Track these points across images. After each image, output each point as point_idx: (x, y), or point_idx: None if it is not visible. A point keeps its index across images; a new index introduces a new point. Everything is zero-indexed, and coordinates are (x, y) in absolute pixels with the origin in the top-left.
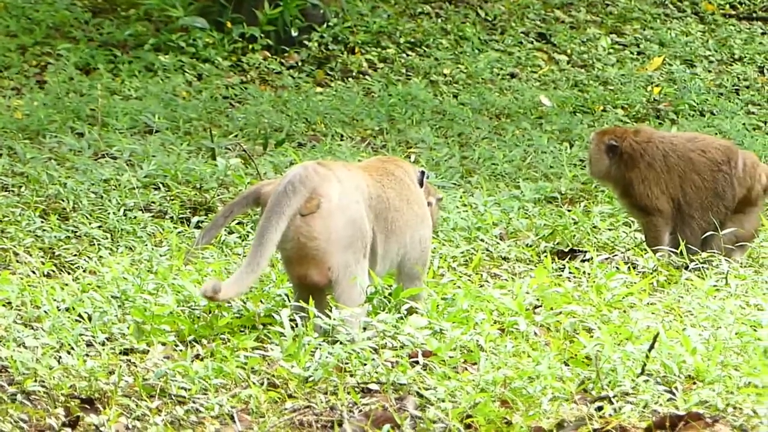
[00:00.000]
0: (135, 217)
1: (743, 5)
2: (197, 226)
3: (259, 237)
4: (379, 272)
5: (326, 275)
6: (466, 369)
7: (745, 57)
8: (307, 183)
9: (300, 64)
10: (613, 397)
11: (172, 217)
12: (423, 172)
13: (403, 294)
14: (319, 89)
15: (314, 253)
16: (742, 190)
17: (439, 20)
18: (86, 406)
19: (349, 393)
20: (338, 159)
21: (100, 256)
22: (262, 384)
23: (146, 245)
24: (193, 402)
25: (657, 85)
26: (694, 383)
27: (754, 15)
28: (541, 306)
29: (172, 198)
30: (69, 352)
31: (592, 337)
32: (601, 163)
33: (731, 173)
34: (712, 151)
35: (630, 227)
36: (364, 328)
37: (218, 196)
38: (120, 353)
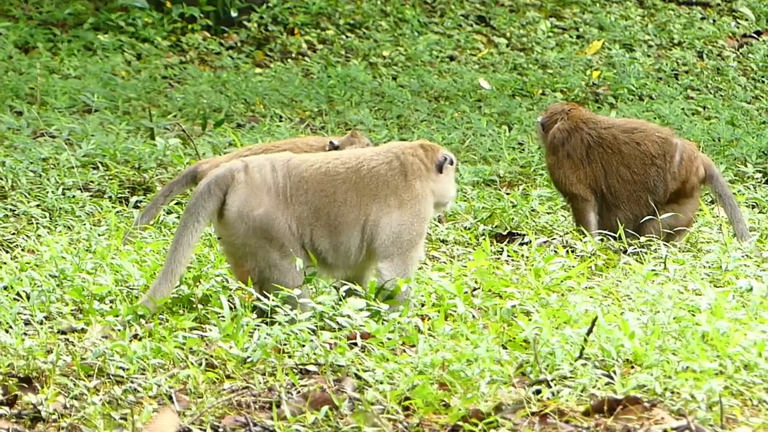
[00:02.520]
0: (74, 197)
1: None
2: (136, 206)
3: (175, 241)
4: (340, 263)
5: (249, 274)
6: (405, 351)
7: (685, 42)
8: (222, 186)
9: (239, 44)
10: (552, 380)
11: (110, 197)
12: (446, 158)
13: (375, 288)
14: (258, 70)
15: (231, 256)
16: (676, 184)
17: (379, 2)
18: (24, 384)
19: (287, 374)
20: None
21: (39, 235)
22: (200, 364)
23: (85, 225)
24: (132, 382)
25: (596, 69)
26: (633, 367)
27: (694, 0)
28: (479, 289)
29: (110, 177)
30: (7, 331)
31: (530, 320)
32: (541, 137)
33: (665, 167)
34: (648, 144)
35: (569, 211)
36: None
37: (157, 176)
38: (58, 332)
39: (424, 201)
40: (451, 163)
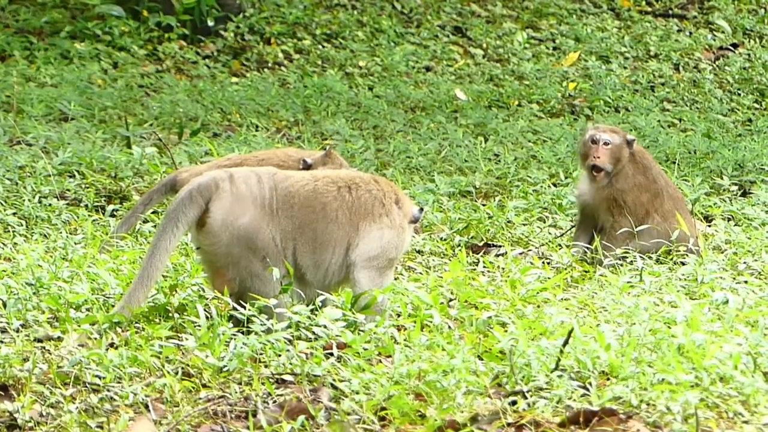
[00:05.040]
0: (50, 205)
1: (659, 2)
2: (112, 215)
3: (152, 247)
4: (317, 281)
5: (227, 284)
6: (381, 361)
7: (661, 54)
8: (205, 194)
9: (216, 53)
10: (527, 391)
11: (87, 205)
12: (421, 210)
13: (351, 299)
14: (234, 79)
15: (212, 265)
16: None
17: (355, 12)
18: (0, 392)
19: (263, 384)
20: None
21: (15, 243)
22: (176, 373)
23: (61, 233)
24: (108, 390)
25: (572, 81)
26: (608, 379)
27: (670, 12)
28: (455, 299)
29: (87, 186)
30: None
31: (506, 331)
32: (620, 153)
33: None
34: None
35: (544, 222)
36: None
37: (133, 184)
38: (34, 340)
39: (405, 233)
40: (423, 214)
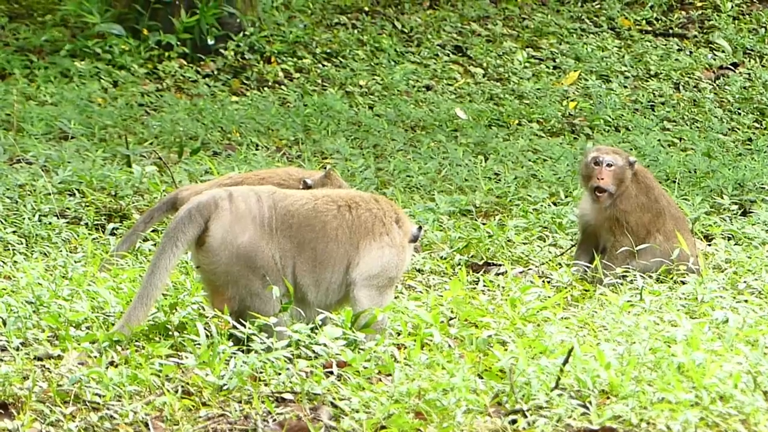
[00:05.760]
0: (50, 223)
1: (659, 21)
2: (112, 233)
3: (152, 266)
4: (318, 301)
5: (227, 303)
6: (381, 380)
7: (661, 73)
8: (204, 213)
9: (216, 72)
10: (527, 410)
11: (87, 224)
12: (421, 228)
13: (351, 317)
14: (234, 98)
15: (212, 283)
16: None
17: (356, 31)
18: (0, 410)
19: (263, 402)
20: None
21: (15, 261)
22: (176, 392)
23: (61, 251)
24: (108, 408)
25: (572, 100)
26: (608, 398)
27: (671, 31)
28: (455, 318)
29: (87, 204)
30: None
31: (506, 350)
32: (623, 175)
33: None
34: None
35: (545, 241)
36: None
37: (133, 203)
38: (34, 358)
39: (405, 252)
40: (423, 233)
